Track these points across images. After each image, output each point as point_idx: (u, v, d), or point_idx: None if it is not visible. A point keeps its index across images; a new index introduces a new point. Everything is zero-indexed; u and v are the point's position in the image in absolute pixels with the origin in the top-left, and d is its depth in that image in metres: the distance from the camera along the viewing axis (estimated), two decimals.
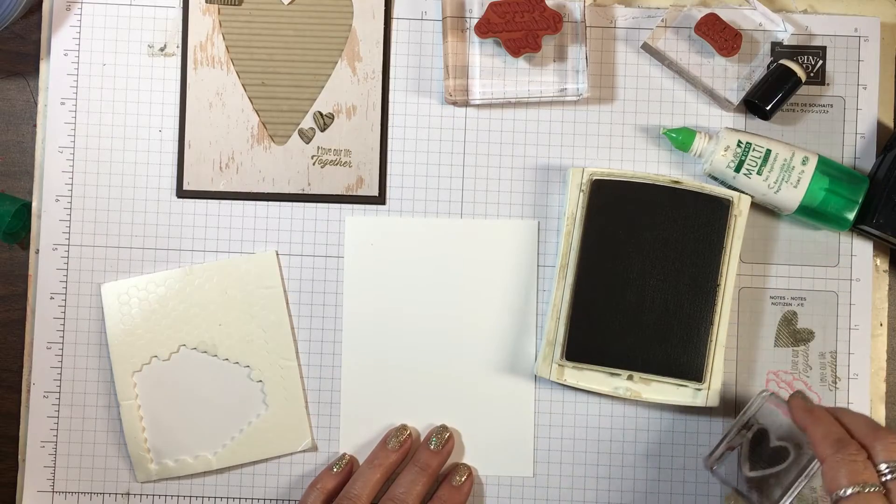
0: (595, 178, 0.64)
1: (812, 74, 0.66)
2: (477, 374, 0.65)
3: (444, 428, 0.64)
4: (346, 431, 0.65)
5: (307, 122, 0.66)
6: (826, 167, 0.63)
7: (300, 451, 0.65)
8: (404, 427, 0.64)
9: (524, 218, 0.66)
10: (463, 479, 0.64)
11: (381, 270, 0.66)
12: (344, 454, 0.65)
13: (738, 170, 0.63)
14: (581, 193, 0.64)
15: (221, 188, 0.66)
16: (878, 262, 0.67)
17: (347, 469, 0.64)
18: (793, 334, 0.66)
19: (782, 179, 0.62)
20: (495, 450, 0.65)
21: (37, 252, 0.66)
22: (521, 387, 0.65)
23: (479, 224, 0.66)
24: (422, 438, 0.65)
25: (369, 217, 0.66)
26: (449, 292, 0.65)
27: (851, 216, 0.63)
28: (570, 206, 0.64)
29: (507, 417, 0.65)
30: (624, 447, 0.66)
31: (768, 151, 0.63)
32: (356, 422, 0.65)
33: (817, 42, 0.67)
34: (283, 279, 0.66)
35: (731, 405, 0.66)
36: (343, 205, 0.66)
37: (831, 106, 0.67)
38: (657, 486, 0.65)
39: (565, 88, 0.66)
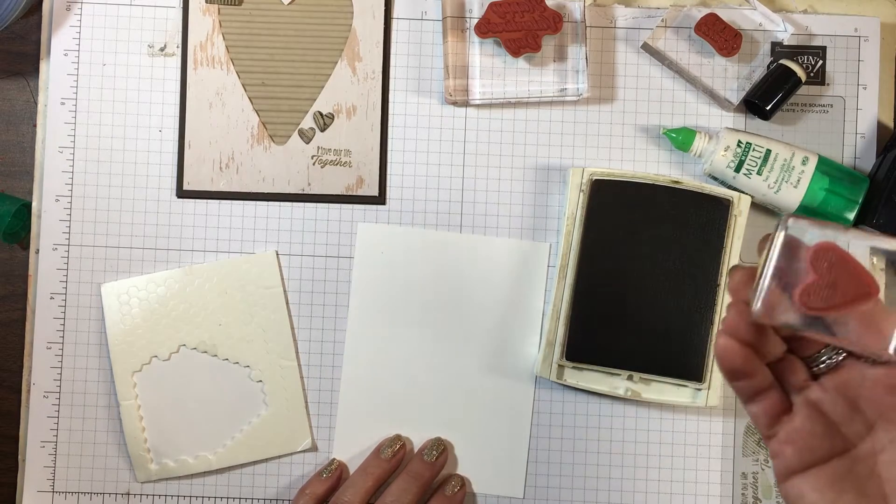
0: (595, 178, 0.64)
1: (812, 74, 0.66)
2: (477, 385, 0.65)
3: (439, 441, 0.64)
4: (340, 438, 0.65)
5: (307, 122, 0.66)
6: (826, 167, 0.63)
7: (300, 451, 0.65)
8: (398, 437, 0.64)
9: (538, 241, 0.66)
10: (456, 490, 0.63)
11: (390, 278, 0.65)
12: (333, 459, 0.65)
13: (738, 170, 0.63)
14: (581, 193, 0.64)
15: (221, 188, 0.66)
16: (878, 261, 0.66)
17: (337, 475, 0.64)
18: None
19: (782, 179, 0.62)
20: (488, 466, 0.65)
21: (37, 252, 0.66)
22: (521, 397, 0.65)
23: (491, 241, 0.66)
24: (416, 450, 0.65)
25: (380, 225, 0.66)
26: (456, 304, 0.65)
27: (851, 216, 0.63)
28: (570, 206, 0.64)
29: (503, 430, 0.65)
30: (624, 447, 0.66)
31: (768, 151, 0.63)
32: (351, 429, 0.65)
33: (817, 42, 0.67)
34: (283, 279, 0.66)
35: (731, 405, 0.66)
36: (343, 205, 0.66)
37: (831, 106, 0.67)
38: (657, 487, 0.65)
39: (565, 88, 0.66)
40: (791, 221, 0.43)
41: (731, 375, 0.44)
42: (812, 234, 0.44)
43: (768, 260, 0.43)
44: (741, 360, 0.43)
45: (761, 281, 0.43)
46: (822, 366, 0.45)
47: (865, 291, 0.43)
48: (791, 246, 0.43)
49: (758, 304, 0.42)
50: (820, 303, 0.42)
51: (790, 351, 0.45)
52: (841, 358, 0.45)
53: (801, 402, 0.45)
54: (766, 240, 0.44)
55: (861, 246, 0.44)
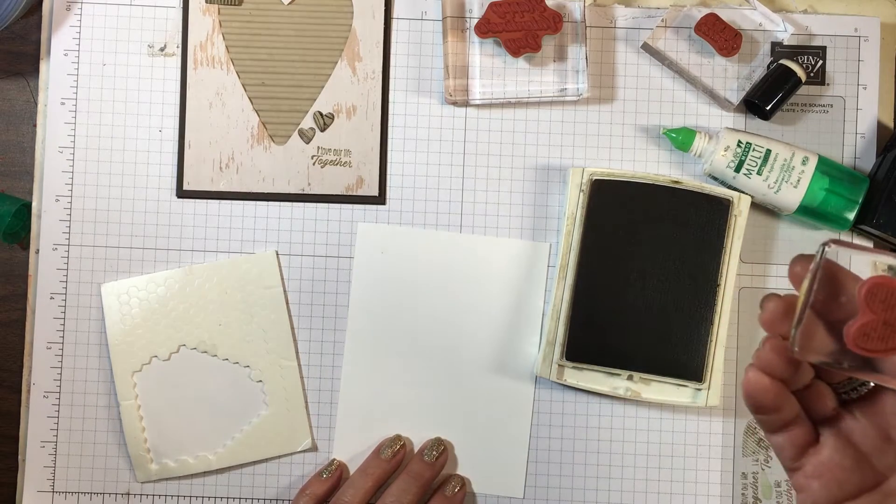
0: (595, 178, 0.64)
1: (812, 74, 0.66)
2: (477, 385, 0.65)
3: (438, 441, 0.64)
4: (340, 438, 0.65)
5: (307, 122, 0.66)
6: (826, 167, 0.63)
7: (300, 451, 0.65)
8: (398, 437, 0.64)
9: (538, 241, 0.66)
10: (456, 490, 0.63)
11: (390, 278, 0.65)
12: (333, 460, 0.65)
13: (738, 170, 0.63)
14: (581, 193, 0.64)
15: (221, 188, 0.66)
16: (878, 262, 0.66)
17: (337, 475, 0.64)
18: None
19: (782, 179, 0.62)
20: (488, 466, 0.65)
21: (37, 252, 0.66)
22: (521, 397, 0.65)
23: (491, 241, 0.66)
24: (416, 451, 0.65)
25: (380, 225, 0.66)
26: (456, 304, 0.65)
27: (851, 216, 0.63)
28: (570, 206, 0.64)
29: (503, 430, 0.65)
30: (624, 447, 0.66)
31: (768, 151, 0.63)
32: (351, 429, 0.65)
33: (817, 42, 0.67)
34: (283, 279, 0.66)
35: (731, 405, 0.66)
36: (343, 205, 0.66)
37: (831, 106, 0.67)
38: (657, 487, 0.65)
39: (565, 88, 0.66)
40: (831, 248, 0.39)
41: (759, 410, 0.41)
42: (856, 261, 0.40)
43: (810, 292, 0.39)
44: (772, 396, 0.40)
45: (802, 315, 0.39)
46: (852, 393, 0.42)
47: None
48: (832, 275, 0.39)
49: (797, 341, 0.39)
50: (878, 344, 0.38)
51: (817, 376, 0.42)
52: (872, 385, 0.42)
53: (829, 432, 0.42)
54: (800, 263, 0.40)
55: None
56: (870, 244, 0.66)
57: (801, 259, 0.41)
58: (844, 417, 0.42)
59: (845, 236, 0.66)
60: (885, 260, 0.41)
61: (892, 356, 0.39)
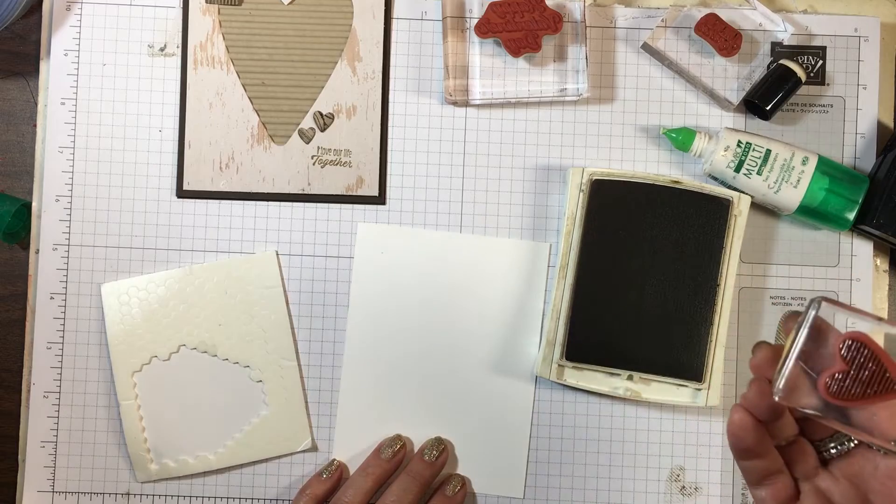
0: (595, 178, 0.64)
1: (812, 74, 0.66)
2: (477, 385, 0.65)
3: (439, 440, 0.64)
4: (340, 438, 0.65)
5: (307, 122, 0.66)
6: (826, 167, 0.63)
7: (300, 451, 0.65)
8: (398, 437, 0.64)
9: (538, 241, 0.66)
10: (457, 490, 0.63)
11: (389, 278, 0.65)
12: (333, 460, 0.65)
13: (738, 170, 0.63)
14: (581, 193, 0.64)
15: (221, 188, 0.66)
16: (878, 262, 0.67)
17: (337, 475, 0.64)
18: None
19: (782, 179, 0.62)
20: (488, 466, 0.65)
21: (37, 252, 0.66)
22: (521, 397, 0.65)
23: (491, 241, 0.66)
24: (416, 450, 0.65)
25: (380, 225, 0.66)
26: (456, 304, 0.65)
27: (851, 216, 0.63)
28: (570, 206, 0.64)
29: (503, 430, 0.65)
30: (624, 447, 0.66)
31: (768, 151, 0.63)
32: (351, 429, 0.65)
33: (817, 42, 0.67)
34: (283, 279, 0.66)
35: (731, 405, 0.66)
36: (343, 205, 0.66)
37: (831, 106, 0.67)
38: (657, 487, 0.66)
39: (565, 88, 0.66)
40: (823, 305, 0.42)
41: (742, 454, 0.43)
42: (843, 320, 0.42)
43: (795, 342, 0.42)
44: (753, 438, 0.42)
45: (786, 363, 0.42)
46: (832, 451, 0.44)
47: (893, 387, 0.41)
48: (820, 329, 0.42)
49: (780, 386, 0.42)
50: (844, 393, 0.41)
51: (802, 434, 0.44)
52: (853, 445, 0.44)
53: (809, 489, 0.43)
54: (793, 318, 0.43)
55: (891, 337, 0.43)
56: (870, 244, 0.66)
57: (794, 315, 0.43)
58: (825, 477, 0.44)
59: (845, 236, 0.66)
60: (885, 329, 0.43)
61: (860, 406, 0.41)
